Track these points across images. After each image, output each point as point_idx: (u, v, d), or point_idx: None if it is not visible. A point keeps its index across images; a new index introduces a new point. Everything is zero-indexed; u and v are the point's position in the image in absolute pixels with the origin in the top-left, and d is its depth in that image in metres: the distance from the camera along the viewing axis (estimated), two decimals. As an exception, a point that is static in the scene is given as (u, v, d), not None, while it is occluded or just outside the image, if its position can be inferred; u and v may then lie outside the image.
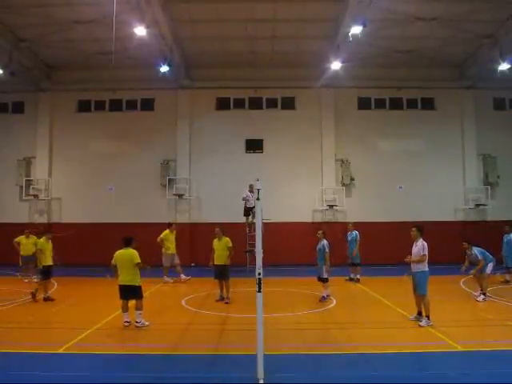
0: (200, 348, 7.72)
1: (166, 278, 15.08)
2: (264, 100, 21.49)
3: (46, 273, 11.74)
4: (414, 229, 9.37)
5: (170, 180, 20.64)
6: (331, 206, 20.42)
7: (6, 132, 21.17)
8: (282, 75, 20.45)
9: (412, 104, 21.54)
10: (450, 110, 21.18)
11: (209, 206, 20.65)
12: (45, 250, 11.85)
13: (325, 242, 11.74)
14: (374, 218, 19.98)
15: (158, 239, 15.25)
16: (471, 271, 11.49)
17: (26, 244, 15.24)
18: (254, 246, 7.43)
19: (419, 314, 9.16)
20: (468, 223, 20.24)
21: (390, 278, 15.13)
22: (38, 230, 16.13)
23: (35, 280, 14.62)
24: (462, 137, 21.16)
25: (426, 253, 9.00)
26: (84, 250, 18.74)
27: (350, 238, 15.36)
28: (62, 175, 21.14)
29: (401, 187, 20.91)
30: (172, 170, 21.03)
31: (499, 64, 17.05)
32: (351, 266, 15.28)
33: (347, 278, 15.28)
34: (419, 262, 9.04)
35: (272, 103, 21.49)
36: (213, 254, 11.86)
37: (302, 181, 20.74)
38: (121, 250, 9.16)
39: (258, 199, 6.29)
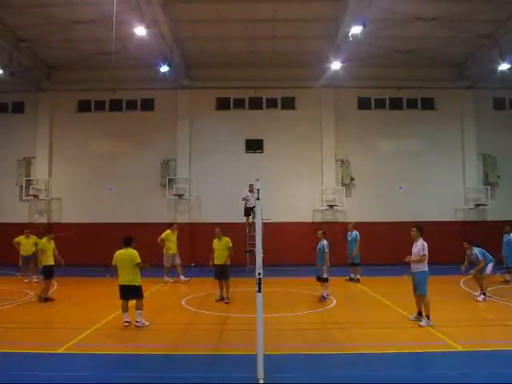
0: (200, 348, 7.72)
1: (166, 278, 15.07)
2: (264, 100, 21.50)
3: (48, 273, 11.73)
4: (414, 229, 9.37)
5: (170, 180, 20.65)
6: (331, 206, 20.42)
7: (6, 132, 21.19)
8: (282, 75, 20.46)
9: (412, 104, 21.54)
10: (450, 110, 21.19)
11: (209, 206, 20.65)
12: (46, 250, 11.83)
13: (325, 241, 11.74)
14: (374, 218, 19.99)
15: (159, 239, 15.18)
16: (471, 271, 11.50)
17: (26, 244, 15.27)
18: (254, 246, 7.44)
19: (419, 314, 9.16)
20: (468, 223, 20.24)
21: (390, 278, 15.13)
22: (38, 230, 16.16)
23: (35, 280, 14.68)
24: (461, 137, 21.16)
25: (426, 253, 9.00)
26: (84, 249, 18.75)
27: (349, 238, 15.36)
28: (62, 175, 21.14)
29: (401, 187, 20.91)
30: (172, 170, 21.04)
31: (499, 64, 17.07)
32: (351, 266, 15.28)
33: (347, 278, 15.28)
34: (419, 261, 9.04)
35: (272, 103, 21.50)
36: (213, 254, 11.86)
37: (301, 181, 20.74)
38: (121, 250, 9.16)
39: (258, 199, 6.29)
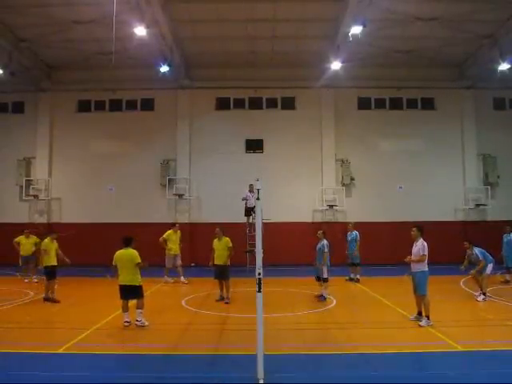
0: (200, 348, 7.72)
1: (166, 278, 15.05)
2: (264, 100, 21.50)
3: (51, 273, 11.71)
4: (414, 229, 9.36)
5: (170, 180, 20.65)
6: (331, 206, 20.43)
7: (6, 132, 21.20)
8: (281, 75, 20.47)
9: (412, 104, 21.55)
10: (450, 110, 21.19)
11: (209, 206, 20.66)
12: (49, 250, 11.80)
13: (325, 241, 11.77)
14: (374, 218, 19.99)
15: (161, 239, 15.08)
16: (471, 271, 11.50)
17: (26, 244, 15.28)
18: (254, 245, 7.43)
19: (419, 314, 9.15)
20: (468, 223, 20.24)
21: (390, 278, 15.14)
22: (38, 230, 16.16)
23: (35, 280, 14.68)
24: (461, 137, 21.17)
25: (426, 253, 8.99)
26: (84, 249, 18.70)
27: (349, 238, 15.35)
28: (62, 175, 21.15)
29: (401, 187, 20.91)
30: (172, 170, 21.04)
31: (499, 64, 17.09)
32: (351, 266, 15.28)
33: (347, 277, 15.28)
34: (419, 261, 9.03)
35: (272, 103, 21.51)
36: (213, 254, 11.85)
37: (302, 181, 20.74)
38: (121, 250, 9.15)
39: (258, 199, 6.29)
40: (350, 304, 11.78)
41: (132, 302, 9.11)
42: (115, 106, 21.52)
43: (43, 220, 20.64)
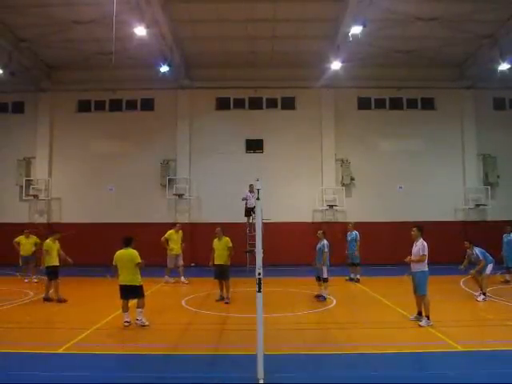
0: (200, 348, 7.72)
1: (167, 278, 15.04)
2: (264, 100, 21.51)
3: (52, 273, 11.70)
4: (414, 229, 9.36)
5: (170, 180, 20.66)
6: (331, 206, 20.43)
7: (6, 132, 21.20)
8: (281, 75, 20.47)
9: (412, 104, 21.56)
10: (450, 110, 21.20)
11: (209, 206, 20.66)
12: (51, 250, 11.80)
13: (325, 241, 11.77)
14: (374, 218, 19.99)
15: (162, 238, 15.01)
16: (471, 271, 11.50)
17: (26, 244, 15.28)
18: (254, 245, 7.43)
19: (419, 314, 9.15)
20: (468, 223, 20.25)
21: (390, 278, 15.14)
22: (38, 230, 16.15)
23: (35, 280, 14.68)
24: (461, 137, 21.17)
25: (426, 253, 8.99)
26: (84, 249, 18.62)
27: (349, 238, 15.35)
28: (62, 175, 21.15)
29: (401, 187, 20.92)
30: (172, 170, 21.05)
31: (499, 64, 17.09)
32: (351, 266, 15.28)
33: (347, 277, 15.28)
34: (419, 261, 9.03)
35: (272, 103, 21.51)
36: (213, 254, 11.84)
37: (302, 181, 20.74)
38: (121, 250, 9.15)
39: (258, 199, 6.29)
40: (350, 304, 11.78)
41: (132, 302, 9.11)
42: (115, 106, 21.52)
43: (43, 220, 20.64)
